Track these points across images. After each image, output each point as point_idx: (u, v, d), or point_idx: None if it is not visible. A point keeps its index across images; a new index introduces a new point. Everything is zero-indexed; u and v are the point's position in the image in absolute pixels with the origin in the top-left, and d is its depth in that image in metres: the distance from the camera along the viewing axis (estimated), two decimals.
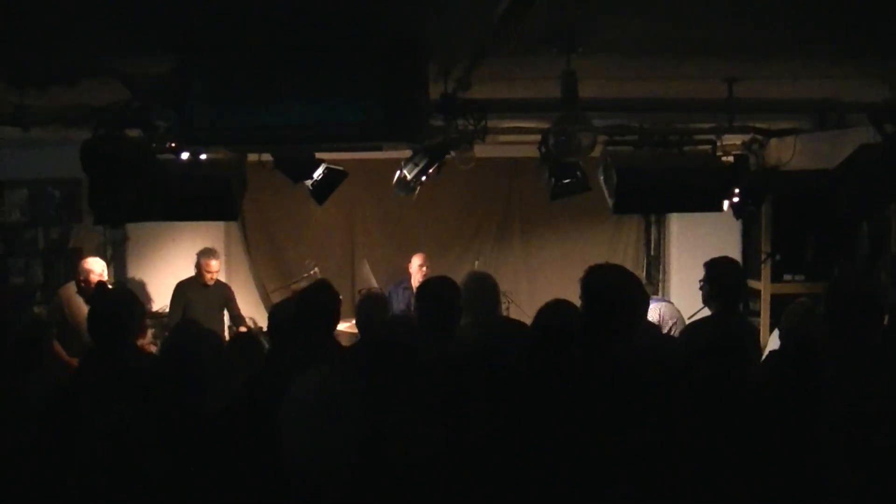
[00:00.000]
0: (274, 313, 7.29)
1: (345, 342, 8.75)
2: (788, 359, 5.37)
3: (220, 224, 12.33)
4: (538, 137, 8.31)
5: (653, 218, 13.00)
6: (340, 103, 5.63)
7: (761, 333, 10.31)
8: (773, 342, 7.98)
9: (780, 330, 7.46)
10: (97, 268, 10.11)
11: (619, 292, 5.32)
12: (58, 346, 9.17)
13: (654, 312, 9.15)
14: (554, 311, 5.73)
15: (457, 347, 5.83)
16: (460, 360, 4.91)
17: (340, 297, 6.97)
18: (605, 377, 4.63)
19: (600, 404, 4.44)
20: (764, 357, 6.65)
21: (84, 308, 9.22)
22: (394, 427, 3.90)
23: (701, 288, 6.95)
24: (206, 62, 5.80)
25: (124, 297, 6.85)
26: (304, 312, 6.56)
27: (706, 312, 7.09)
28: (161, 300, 11.15)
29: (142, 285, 12.20)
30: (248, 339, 7.91)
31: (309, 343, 6.37)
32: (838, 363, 5.10)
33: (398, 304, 11.08)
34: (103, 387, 5.41)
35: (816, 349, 4.99)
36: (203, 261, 11.06)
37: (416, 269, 11.56)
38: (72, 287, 10.12)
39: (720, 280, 6.85)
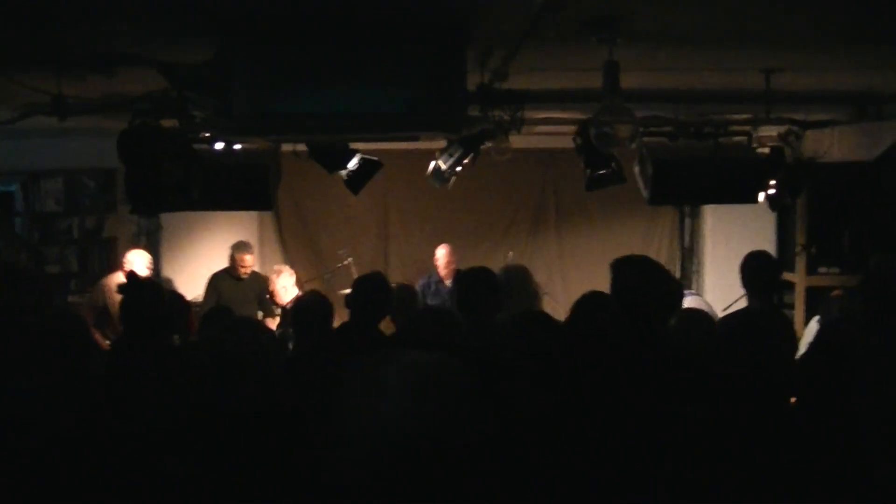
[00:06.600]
0: (298, 305, 7.31)
1: None
2: (823, 351, 5.36)
3: (254, 213, 12.44)
4: (573, 128, 8.30)
5: (687, 209, 12.96)
6: (384, 92, 5.64)
7: (795, 326, 10.25)
8: (810, 334, 7.95)
9: (818, 322, 7.44)
10: (140, 261, 10.05)
11: (645, 284, 5.29)
12: (96, 334, 9.21)
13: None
14: (590, 303, 5.71)
15: (496, 338, 5.81)
16: (501, 349, 4.91)
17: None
18: (639, 366, 4.63)
19: (634, 392, 4.44)
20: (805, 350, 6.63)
21: None
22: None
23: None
24: (248, 49, 5.80)
25: (155, 290, 6.83)
26: (356, 302, 6.57)
27: (741, 304, 7.07)
28: (194, 290, 11.17)
29: (175, 275, 12.27)
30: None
31: (360, 332, 6.39)
32: (877, 353, 5.06)
33: (432, 299, 11.00)
34: (131, 379, 5.43)
35: (852, 341, 4.97)
36: (237, 255, 10.99)
37: (443, 260, 11.33)
38: (116, 277, 9.98)
39: (755, 273, 6.84)
